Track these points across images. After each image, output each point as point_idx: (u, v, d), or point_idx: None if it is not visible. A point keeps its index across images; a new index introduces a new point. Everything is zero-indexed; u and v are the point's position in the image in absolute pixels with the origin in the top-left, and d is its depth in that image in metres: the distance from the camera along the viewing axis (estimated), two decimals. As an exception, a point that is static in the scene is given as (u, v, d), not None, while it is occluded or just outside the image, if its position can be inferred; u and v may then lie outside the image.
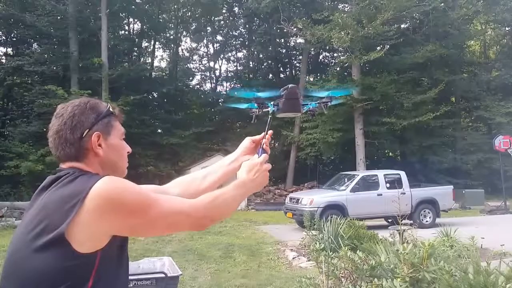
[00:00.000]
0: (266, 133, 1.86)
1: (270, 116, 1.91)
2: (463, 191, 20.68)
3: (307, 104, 2.01)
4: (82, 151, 1.40)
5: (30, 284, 1.23)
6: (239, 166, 1.76)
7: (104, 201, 1.23)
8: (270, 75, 34.60)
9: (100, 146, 1.41)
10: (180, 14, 31.18)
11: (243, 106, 2.08)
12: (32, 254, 1.22)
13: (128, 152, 1.54)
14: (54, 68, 23.83)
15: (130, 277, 5.44)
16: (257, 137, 1.91)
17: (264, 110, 1.95)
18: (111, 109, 1.48)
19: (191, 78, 33.11)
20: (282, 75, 34.25)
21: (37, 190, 1.39)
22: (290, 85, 1.89)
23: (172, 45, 32.41)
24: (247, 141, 1.92)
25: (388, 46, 23.74)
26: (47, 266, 1.21)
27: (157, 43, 31.90)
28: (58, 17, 23.88)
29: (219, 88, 35.02)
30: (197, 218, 1.43)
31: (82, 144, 1.39)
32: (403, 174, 14.92)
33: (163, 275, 5.55)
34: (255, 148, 1.87)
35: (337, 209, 13.25)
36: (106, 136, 1.44)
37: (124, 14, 28.58)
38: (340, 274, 4.72)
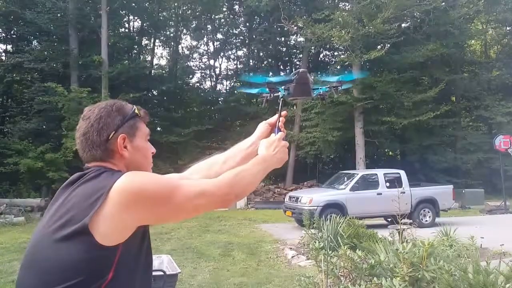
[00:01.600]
0: (280, 115, 1.90)
1: (281, 98, 1.94)
2: (463, 191, 20.67)
3: (318, 89, 2.02)
4: (108, 152, 1.43)
5: (51, 273, 1.25)
6: (257, 149, 1.79)
7: (128, 193, 1.27)
8: (270, 74, 34.48)
9: (126, 148, 1.45)
10: (180, 12, 31.15)
11: (254, 90, 2.10)
12: (55, 244, 1.25)
13: (152, 153, 1.57)
14: (54, 65, 23.79)
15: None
16: (272, 119, 1.95)
17: (274, 94, 1.97)
18: (136, 111, 1.52)
19: (191, 76, 33.08)
20: (282, 74, 34.12)
21: (63, 185, 1.41)
22: (300, 70, 1.91)
23: (172, 43, 32.38)
24: (263, 125, 1.95)
25: (388, 45, 23.70)
26: (69, 257, 1.23)
27: (157, 41, 31.88)
28: (58, 14, 23.84)
29: (219, 87, 35.05)
30: (222, 195, 1.46)
31: (108, 146, 1.43)
32: (403, 173, 14.89)
33: (161, 273, 5.54)
34: (271, 131, 1.91)
35: (337, 208, 13.23)
36: (131, 138, 1.47)
37: (124, 12, 28.54)
38: (339, 273, 4.70)
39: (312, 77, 1.96)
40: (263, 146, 1.74)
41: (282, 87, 1.95)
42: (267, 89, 2.00)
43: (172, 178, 1.47)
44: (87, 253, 1.23)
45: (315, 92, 1.99)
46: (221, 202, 1.47)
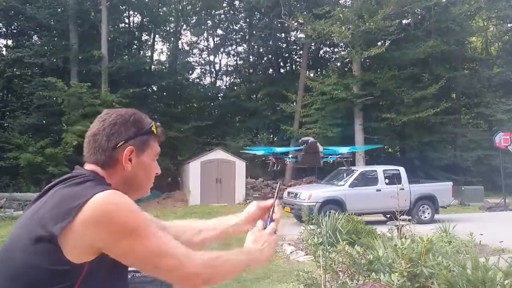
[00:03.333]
0: (275, 202, 1.68)
1: (279, 184, 1.83)
2: (463, 188, 20.66)
3: (327, 157, 1.97)
4: (112, 160, 1.38)
5: (17, 275, 1.21)
6: (240, 231, 1.70)
7: (98, 212, 1.20)
8: (270, 70, 34.53)
9: (130, 161, 1.40)
10: (180, 7, 31.07)
11: (260, 152, 2.04)
12: (26, 245, 1.21)
13: (156, 174, 1.51)
14: (54, 60, 23.78)
15: (128, 269, 5.44)
16: (265, 203, 1.73)
17: (282, 163, 1.90)
18: (153, 128, 1.48)
19: (190, 72, 33.02)
20: (282, 70, 34.19)
21: (51, 184, 1.36)
22: (310, 140, 1.86)
23: (172, 39, 32.31)
24: (253, 207, 1.73)
25: (389, 42, 23.68)
26: (33, 262, 1.19)
27: (157, 36, 31.80)
28: (59, 9, 23.82)
29: (218, 83, 35.02)
30: (189, 273, 1.30)
31: (114, 154, 1.38)
32: (402, 170, 14.88)
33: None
34: (260, 215, 1.71)
35: (336, 204, 13.20)
36: (139, 153, 1.42)
37: (124, 7, 28.47)
38: (338, 268, 4.71)
39: (321, 148, 1.90)
40: (251, 239, 1.60)
41: (290, 156, 1.89)
42: (274, 160, 1.93)
43: (153, 220, 1.36)
44: (51, 264, 1.18)
45: (324, 160, 1.93)
46: (185, 279, 1.32)
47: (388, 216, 13.69)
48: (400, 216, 5.65)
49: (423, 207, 14.62)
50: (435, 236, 6.17)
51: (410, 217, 9.64)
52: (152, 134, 1.48)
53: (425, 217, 14.38)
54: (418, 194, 14.56)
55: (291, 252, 9.53)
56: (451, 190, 15.43)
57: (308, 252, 8.19)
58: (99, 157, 1.38)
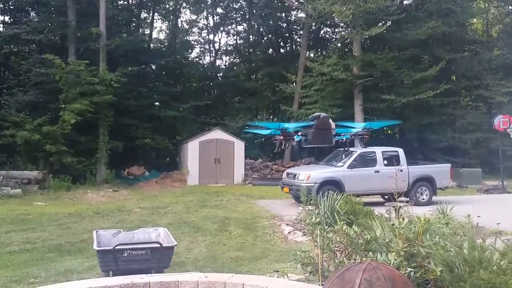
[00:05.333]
0: None
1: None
2: (461, 170, 20.72)
3: (340, 135, 1.87)
4: None
5: None
6: None
7: None
8: (270, 50, 34.31)
9: None
10: (180, -15, 30.71)
11: (265, 132, 1.93)
12: None
13: None
14: (52, 37, 23.51)
15: (125, 247, 5.44)
16: None
17: (291, 141, 1.80)
18: None
19: (190, 51, 32.79)
20: (282, 50, 33.96)
21: None
22: (322, 114, 1.76)
23: (171, 17, 32.01)
24: None
25: (390, 22, 23.45)
26: None
27: (156, 14, 31.42)
28: (56, -15, 23.48)
29: (218, 62, 34.82)
30: None
31: None
32: (401, 152, 14.84)
33: (158, 245, 5.55)
34: None
35: (334, 185, 13.20)
36: None
37: (123, -16, 28.13)
38: (335, 248, 4.72)
39: (333, 124, 1.79)
40: None
41: (299, 134, 1.79)
42: (281, 136, 1.83)
43: None
44: None
45: (336, 138, 1.82)
46: None
47: (386, 197, 13.72)
48: (398, 197, 5.64)
49: (421, 188, 14.64)
50: (432, 218, 6.18)
51: (408, 199, 9.66)
52: None
53: (423, 198, 14.41)
54: (416, 175, 14.56)
55: (289, 232, 9.57)
56: (449, 172, 15.45)
57: (306, 232, 8.22)
58: None
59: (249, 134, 22.95)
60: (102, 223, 10.69)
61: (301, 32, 30.83)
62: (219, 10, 33.80)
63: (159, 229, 6.60)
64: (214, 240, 9.12)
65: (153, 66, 29.81)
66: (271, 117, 31.26)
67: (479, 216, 6.65)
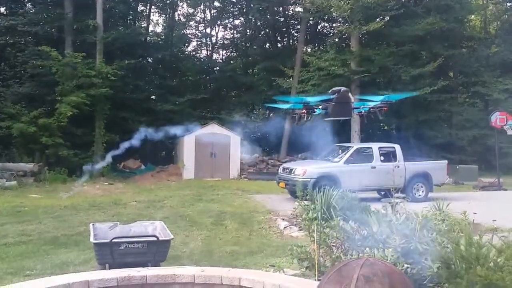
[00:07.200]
0: None
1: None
2: (457, 167, 20.75)
3: (359, 108, 1.86)
4: None
5: None
6: None
7: None
8: (267, 44, 34.20)
9: None
10: (177, -22, 30.53)
11: (286, 106, 1.92)
12: None
13: None
14: (48, 29, 23.41)
15: (122, 240, 5.43)
16: None
17: (313, 114, 1.78)
18: None
19: (186, 45, 32.65)
20: (279, 44, 33.85)
21: None
22: (342, 89, 1.76)
23: (169, 10, 31.85)
24: None
25: (388, 18, 23.41)
26: None
27: (153, 7, 31.26)
28: (53, -23, 23.34)
29: (215, 56, 34.65)
30: None
31: None
32: (397, 148, 14.83)
33: (154, 239, 5.54)
34: None
35: (330, 180, 13.15)
36: None
37: (120, -24, 27.91)
38: (332, 243, 4.71)
39: (353, 97, 1.79)
40: None
41: (320, 107, 1.78)
42: (304, 109, 1.82)
43: None
44: None
45: (355, 111, 1.82)
46: None
47: (382, 193, 13.73)
48: (394, 193, 5.64)
49: (417, 185, 14.63)
50: (429, 214, 6.18)
51: (404, 195, 9.67)
52: None
53: (419, 195, 14.39)
54: (413, 172, 14.55)
55: (284, 227, 9.57)
56: (446, 169, 15.48)
57: (302, 227, 8.21)
58: None
59: (246, 130, 22.92)
60: (98, 216, 10.67)
61: (299, 26, 30.70)
62: (216, 3, 33.57)
63: (156, 222, 6.58)
64: (210, 234, 9.12)
65: (149, 60, 29.66)
66: (267, 111, 31.17)
67: (475, 213, 6.65)
